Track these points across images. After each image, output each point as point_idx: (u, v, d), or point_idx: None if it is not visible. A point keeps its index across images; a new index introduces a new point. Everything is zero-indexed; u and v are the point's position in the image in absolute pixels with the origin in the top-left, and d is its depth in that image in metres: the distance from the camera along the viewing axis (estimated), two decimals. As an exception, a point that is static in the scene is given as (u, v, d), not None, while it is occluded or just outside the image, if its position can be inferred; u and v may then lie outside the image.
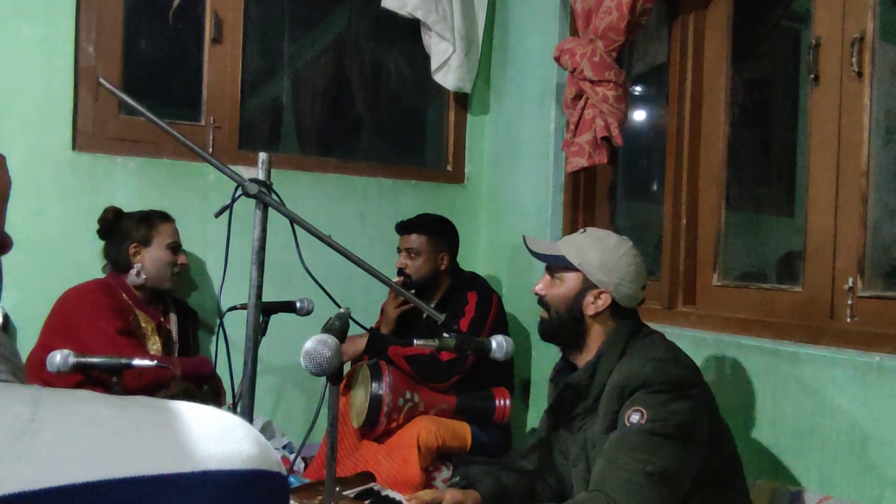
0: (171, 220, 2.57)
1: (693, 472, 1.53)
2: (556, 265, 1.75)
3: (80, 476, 0.48)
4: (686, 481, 1.52)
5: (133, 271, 2.46)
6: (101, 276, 2.53)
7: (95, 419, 0.51)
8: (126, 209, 2.55)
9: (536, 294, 1.78)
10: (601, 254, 1.69)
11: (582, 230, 1.79)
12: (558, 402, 1.75)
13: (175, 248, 2.54)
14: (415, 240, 2.73)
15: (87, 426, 0.50)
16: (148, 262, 2.47)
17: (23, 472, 0.47)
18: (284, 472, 0.57)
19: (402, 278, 2.72)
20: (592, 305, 1.69)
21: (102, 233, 2.51)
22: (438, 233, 2.78)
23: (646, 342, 1.67)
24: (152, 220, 2.52)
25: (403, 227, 2.79)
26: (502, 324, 2.74)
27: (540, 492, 1.84)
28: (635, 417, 1.51)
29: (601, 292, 1.69)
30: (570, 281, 1.72)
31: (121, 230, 2.49)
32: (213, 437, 0.53)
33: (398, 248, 2.79)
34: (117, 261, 2.49)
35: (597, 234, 1.75)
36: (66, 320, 2.32)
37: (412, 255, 2.72)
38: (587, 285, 1.70)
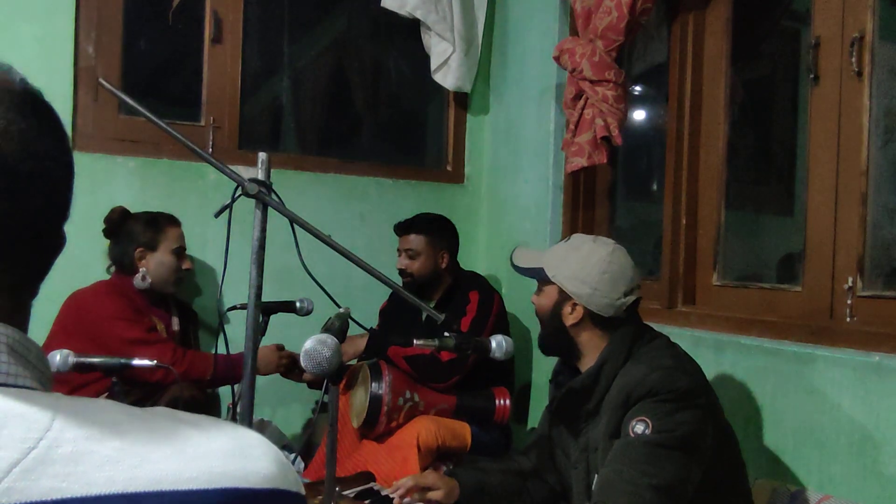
0: (178, 223, 2.55)
1: (696, 482, 1.52)
2: (539, 277, 1.75)
3: (95, 489, 0.47)
4: (690, 492, 1.51)
5: (138, 276, 2.45)
6: (104, 276, 2.53)
7: (113, 431, 0.50)
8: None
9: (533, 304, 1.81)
10: (573, 264, 1.68)
11: (567, 238, 1.79)
12: (560, 406, 1.75)
13: (180, 252, 2.52)
14: (414, 240, 2.73)
15: (104, 438, 0.49)
16: (153, 266, 2.46)
17: (38, 484, 0.46)
18: (303, 492, 0.56)
19: (407, 279, 2.72)
20: (570, 316, 1.69)
21: (108, 232, 2.50)
22: (437, 231, 2.78)
23: (651, 347, 1.66)
24: (159, 223, 2.51)
25: (402, 228, 2.79)
26: (503, 323, 2.74)
27: (531, 491, 1.84)
28: (640, 427, 1.50)
29: (575, 303, 1.68)
30: (550, 293, 1.73)
31: (127, 232, 2.48)
32: (231, 453, 0.52)
33: (398, 249, 2.79)
34: (122, 262, 2.48)
35: (576, 242, 1.74)
36: (84, 322, 2.30)
37: (412, 255, 2.72)
38: (563, 297, 1.70)
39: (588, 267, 1.67)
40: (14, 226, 0.55)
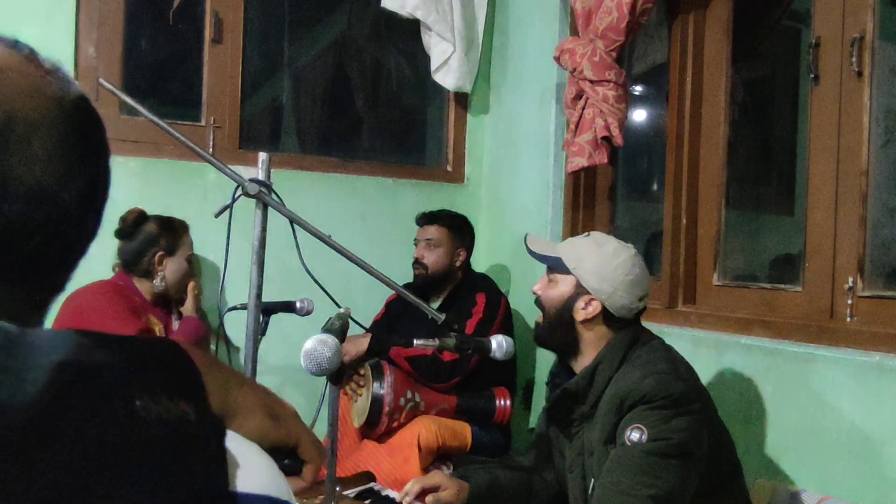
0: (189, 229, 2.60)
1: (693, 488, 1.52)
2: (554, 266, 1.74)
3: None
4: (688, 498, 1.51)
5: (157, 279, 2.47)
6: (107, 275, 2.52)
7: None
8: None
9: (534, 293, 1.78)
10: (597, 260, 1.67)
11: (586, 234, 1.77)
12: (555, 407, 1.74)
13: (191, 259, 2.58)
14: (436, 231, 2.76)
15: None
16: (170, 271, 2.49)
17: None
18: (294, 502, 0.57)
19: (421, 270, 2.73)
20: (583, 311, 1.67)
21: (122, 233, 2.49)
22: (460, 229, 2.82)
23: (646, 350, 1.65)
24: (178, 229, 2.54)
25: (426, 218, 2.81)
26: (509, 327, 2.74)
27: (537, 489, 1.84)
28: (636, 435, 1.49)
29: (592, 299, 1.67)
30: (564, 284, 1.70)
31: (147, 235, 2.48)
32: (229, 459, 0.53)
33: (415, 239, 2.81)
34: (136, 264, 2.47)
35: (599, 239, 1.73)
36: (81, 323, 2.30)
37: (432, 245, 2.74)
38: (579, 290, 1.68)
39: (613, 266, 1.66)
40: (50, 252, 0.55)
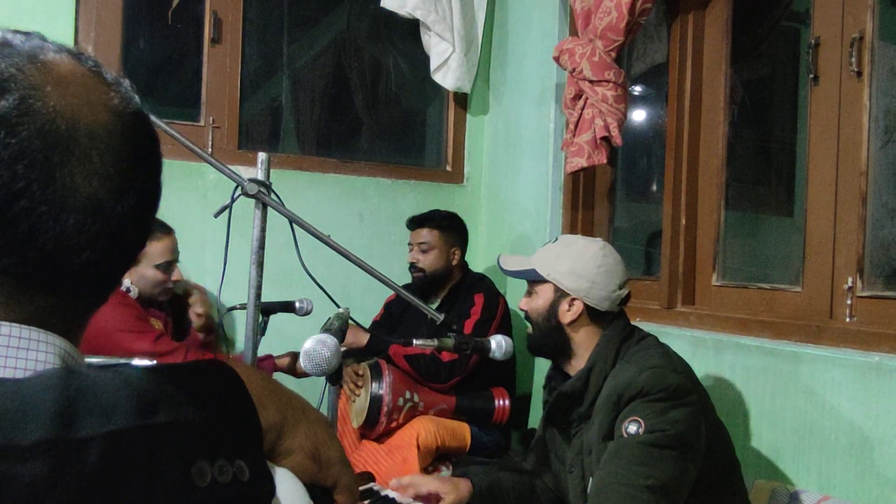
0: (166, 235, 2.42)
1: (692, 481, 1.52)
2: (531, 279, 1.76)
3: None
4: (685, 490, 1.51)
5: (123, 287, 2.38)
6: None
7: None
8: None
9: (521, 310, 1.80)
10: (569, 261, 1.69)
11: (555, 239, 1.80)
12: (553, 410, 1.74)
13: (166, 266, 2.41)
14: (427, 234, 2.75)
15: None
16: (136, 279, 2.39)
17: None
18: None
19: (419, 274, 2.73)
20: (568, 313, 1.69)
21: None
22: (450, 228, 2.81)
23: (640, 347, 1.66)
24: None
25: (415, 222, 2.81)
26: (508, 327, 2.74)
27: (539, 491, 1.84)
28: (633, 428, 1.50)
29: (573, 299, 1.69)
30: (544, 292, 1.73)
31: None
32: None
33: (409, 243, 2.80)
34: None
35: (566, 240, 1.76)
36: (91, 334, 2.27)
37: (425, 248, 2.74)
38: (559, 294, 1.70)
39: (584, 261, 1.68)
40: (98, 265, 0.56)
